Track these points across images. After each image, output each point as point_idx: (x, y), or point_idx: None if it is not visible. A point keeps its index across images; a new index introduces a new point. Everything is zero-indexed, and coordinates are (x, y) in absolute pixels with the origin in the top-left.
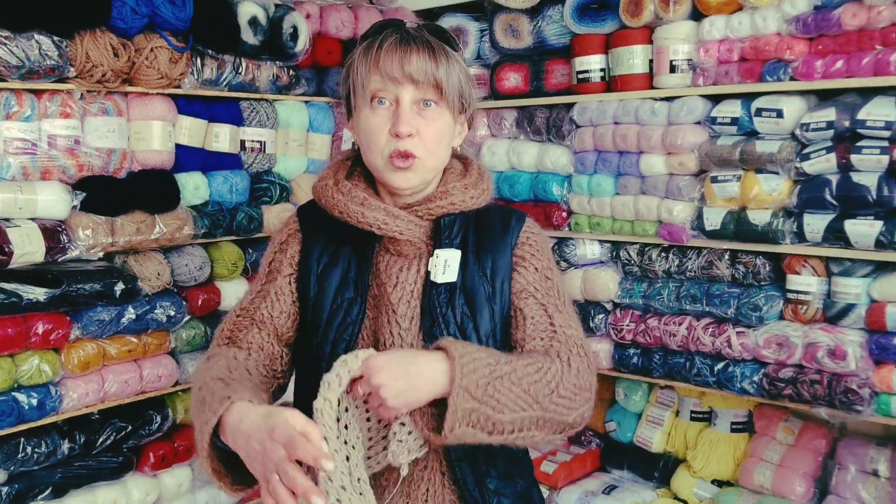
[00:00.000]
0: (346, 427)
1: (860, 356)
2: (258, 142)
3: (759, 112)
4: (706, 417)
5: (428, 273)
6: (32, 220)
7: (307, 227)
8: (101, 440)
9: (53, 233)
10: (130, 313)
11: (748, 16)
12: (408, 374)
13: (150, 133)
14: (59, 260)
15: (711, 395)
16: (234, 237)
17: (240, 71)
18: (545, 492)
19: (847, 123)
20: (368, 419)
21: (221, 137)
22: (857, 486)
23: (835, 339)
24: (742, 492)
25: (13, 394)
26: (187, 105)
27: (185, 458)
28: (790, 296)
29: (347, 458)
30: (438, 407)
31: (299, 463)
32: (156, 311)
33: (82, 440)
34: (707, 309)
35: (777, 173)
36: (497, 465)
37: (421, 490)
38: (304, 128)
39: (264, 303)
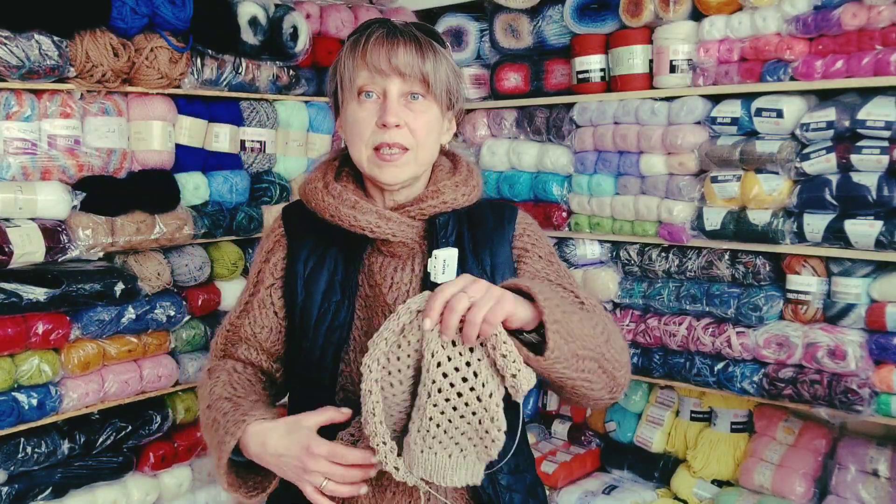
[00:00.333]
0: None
1: (860, 356)
2: (258, 142)
3: (759, 112)
4: (706, 417)
5: (427, 274)
6: (32, 220)
7: (293, 230)
8: (101, 440)
9: (53, 233)
10: (130, 313)
11: (748, 16)
12: (491, 286)
13: (150, 133)
14: (59, 260)
15: (711, 395)
16: (234, 237)
17: (240, 71)
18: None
19: (847, 123)
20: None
21: (221, 137)
22: (857, 486)
23: (835, 339)
24: (742, 492)
25: (13, 394)
26: (187, 105)
27: (185, 458)
28: (790, 296)
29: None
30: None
31: None
32: (156, 311)
33: (82, 440)
34: (707, 309)
35: (777, 173)
36: (507, 460)
37: (432, 487)
38: (304, 128)
39: (248, 319)
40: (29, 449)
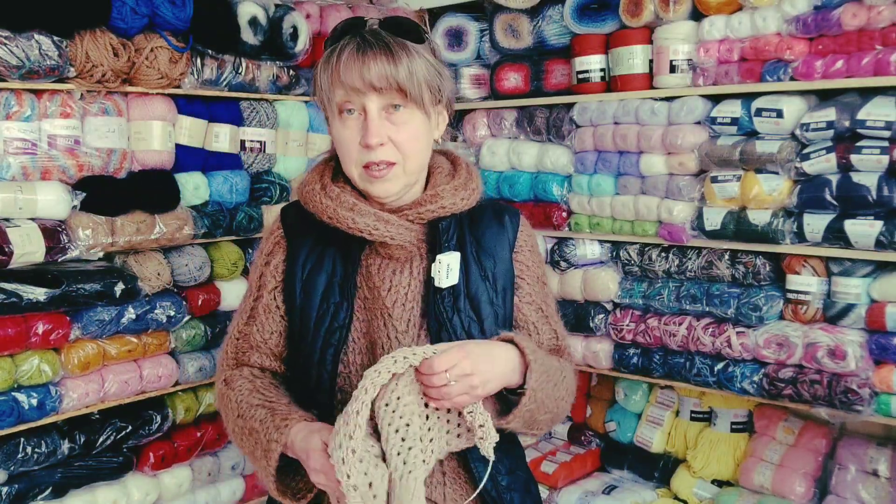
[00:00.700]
0: (401, 417)
1: (860, 356)
2: (258, 142)
3: (759, 112)
4: (706, 417)
5: (431, 279)
6: (32, 220)
7: (292, 230)
8: (101, 440)
9: (53, 233)
10: (130, 313)
11: (748, 16)
12: (493, 364)
13: (150, 133)
14: (59, 260)
15: (711, 395)
16: (234, 237)
17: (240, 71)
18: (545, 492)
19: (847, 123)
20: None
21: (221, 137)
22: (857, 486)
23: (835, 339)
24: (742, 492)
25: (13, 394)
26: (187, 105)
27: (185, 458)
28: (790, 296)
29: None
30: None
31: None
32: (156, 311)
33: (82, 440)
34: (707, 309)
35: (777, 173)
36: (504, 462)
37: (438, 492)
38: (304, 128)
39: (255, 326)
40: (29, 449)
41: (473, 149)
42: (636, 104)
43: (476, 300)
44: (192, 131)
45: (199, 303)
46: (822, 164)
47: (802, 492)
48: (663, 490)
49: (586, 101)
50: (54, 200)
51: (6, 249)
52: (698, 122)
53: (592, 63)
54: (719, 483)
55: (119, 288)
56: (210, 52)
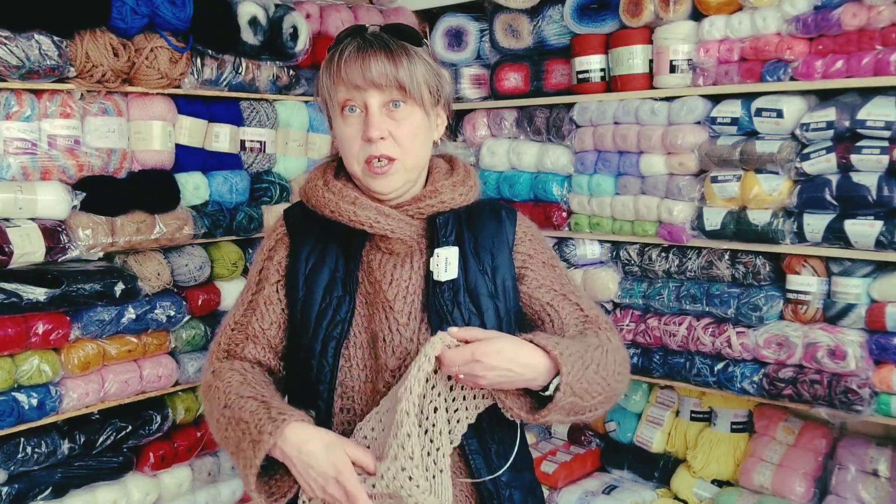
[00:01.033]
0: (434, 410)
1: (860, 356)
2: (258, 142)
3: (759, 112)
4: (706, 417)
5: (430, 273)
6: (32, 220)
7: (294, 229)
8: (101, 440)
9: (53, 233)
10: (130, 313)
11: (748, 16)
12: (517, 361)
13: (150, 133)
14: (59, 260)
15: (711, 395)
16: (234, 237)
17: (240, 71)
18: (545, 492)
19: (847, 123)
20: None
21: (221, 137)
22: (857, 486)
23: (835, 339)
24: (742, 492)
25: (13, 394)
26: (187, 105)
27: (185, 458)
28: (790, 296)
29: (431, 441)
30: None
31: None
32: (156, 311)
33: (82, 440)
34: (707, 309)
35: (777, 173)
36: (507, 458)
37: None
38: (304, 128)
39: (255, 316)
40: (29, 449)
41: (473, 149)
42: (636, 104)
43: (475, 294)
44: (192, 131)
45: (199, 303)
46: (822, 164)
47: (802, 492)
48: (663, 490)
49: (586, 101)
50: (54, 200)
51: (6, 249)
52: (698, 122)
53: (592, 63)
54: (719, 483)
55: (119, 288)
56: (210, 52)
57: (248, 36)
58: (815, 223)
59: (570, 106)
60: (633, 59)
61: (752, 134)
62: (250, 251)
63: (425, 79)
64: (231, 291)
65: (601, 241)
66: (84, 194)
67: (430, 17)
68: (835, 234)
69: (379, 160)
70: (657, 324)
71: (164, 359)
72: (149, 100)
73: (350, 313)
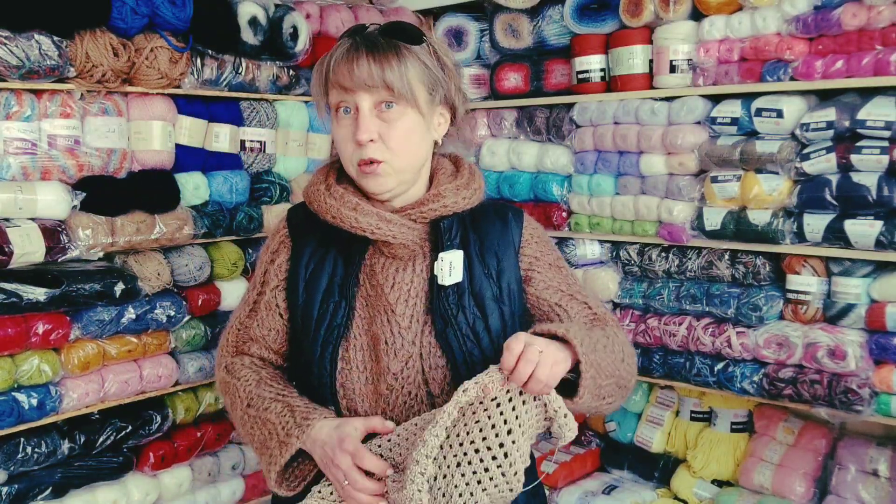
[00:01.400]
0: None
1: (860, 356)
2: (258, 142)
3: (759, 112)
4: (706, 417)
5: (434, 277)
6: (32, 220)
7: (297, 231)
8: (101, 440)
9: (53, 233)
10: (130, 313)
11: (748, 16)
12: (556, 357)
13: (150, 133)
14: (59, 260)
15: (711, 395)
16: (234, 237)
17: (240, 71)
18: (545, 492)
19: (847, 123)
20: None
21: (221, 137)
22: (857, 486)
23: (835, 339)
24: (742, 492)
25: (13, 394)
26: (187, 105)
27: (185, 458)
28: (790, 296)
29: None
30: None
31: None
32: (156, 311)
33: (82, 440)
34: (707, 309)
35: (777, 173)
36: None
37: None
38: (305, 128)
39: (256, 320)
40: (29, 449)
41: (473, 149)
42: (636, 104)
43: (480, 297)
44: (192, 131)
45: (199, 303)
46: (822, 164)
47: (802, 492)
48: (663, 490)
49: (586, 101)
50: (54, 200)
51: (6, 249)
52: (698, 122)
53: (592, 63)
54: (719, 483)
55: (119, 288)
56: (210, 52)
57: (248, 36)
58: (815, 223)
59: (570, 106)
60: (633, 59)
61: (752, 134)
62: (250, 251)
63: (420, 78)
64: (231, 291)
65: (601, 241)
66: (84, 194)
67: (430, 17)
68: (835, 234)
69: (369, 163)
70: (657, 324)
71: (164, 359)
72: (149, 100)
73: (346, 318)
